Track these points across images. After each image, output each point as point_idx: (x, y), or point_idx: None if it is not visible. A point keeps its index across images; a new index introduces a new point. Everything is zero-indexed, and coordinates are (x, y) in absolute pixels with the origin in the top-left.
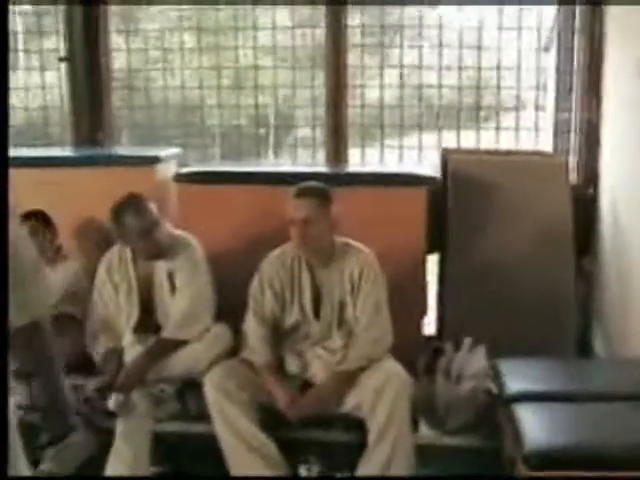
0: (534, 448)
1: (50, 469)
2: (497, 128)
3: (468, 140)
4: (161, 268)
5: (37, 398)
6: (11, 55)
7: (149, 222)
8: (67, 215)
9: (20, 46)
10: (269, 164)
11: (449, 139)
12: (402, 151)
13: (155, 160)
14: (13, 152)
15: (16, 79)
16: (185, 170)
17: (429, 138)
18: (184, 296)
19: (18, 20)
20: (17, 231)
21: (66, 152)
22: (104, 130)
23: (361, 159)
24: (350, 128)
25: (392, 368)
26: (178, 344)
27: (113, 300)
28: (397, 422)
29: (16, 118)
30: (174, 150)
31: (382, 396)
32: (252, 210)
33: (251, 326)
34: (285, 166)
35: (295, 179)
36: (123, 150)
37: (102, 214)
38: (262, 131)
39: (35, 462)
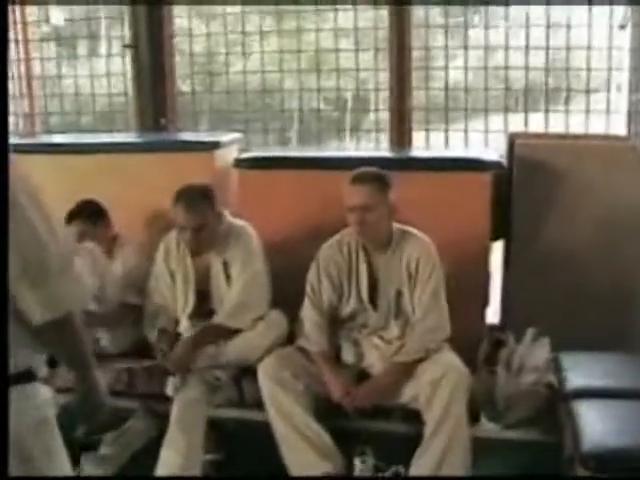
0: (591, 449)
1: (109, 453)
2: (567, 111)
3: (537, 123)
4: (216, 257)
5: (75, 395)
6: (82, 42)
7: (200, 219)
8: (127, 202)
9: (85, 33)
10: (346, 148)
11: (517, 122)
12: (468, 135)
13: (215, 145)
14: (75, 138)
15: (81, 66)
16: (245, 155)
17: (496, 121)
18: (238, 285)
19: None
20: (39, 224)
21: (128, 138)
22: (167, 116)
23: (426, 143)
24: (416, 112)
25: (450, 360)
26: (230, 331)
27: (170, 287)
28: (454, 415)
29: (82, 104)
30: (236, 135)
31: (439, 389)
32: (313, 196)
33: (307, 314)
34: (356, 150)
35: (357, 164)
36: (185, 136)
37: (162, 200)
38: (340, 114)
39: (94, 446)
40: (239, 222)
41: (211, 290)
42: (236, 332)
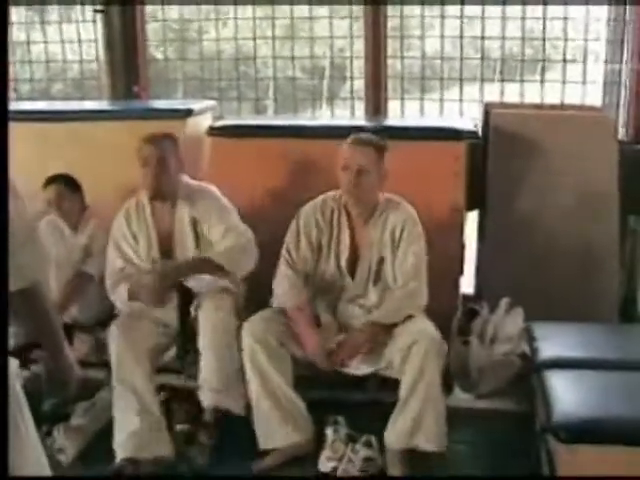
0: (563, 419)
1: (81, 424)
2: (543, 81)
3: (513, 93)
4: (182, 216)
5: (47, 366)
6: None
7: (162, 152)
8: (98, 170)
9: None
10: (321, 116)
11: (493, 92)
12: (443, 104)
13: (188, 113)
14: (45, 106)
15: (52, 32)
16: (218, 123)
17: (472, 91)
18: (218, 235)
19: None
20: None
21: (100, 106)
22: (140, 83)
23: (401, 112)
24: (391, 80)
25: (423, 327)
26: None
27: (133, 249)
28: (427, 379)
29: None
30: (210, 103)
31: (411, 355)
32: (286, 164)
33: (283, 272)
34: (331, 119)
35: (331, 132)
36: (157, 103)
37: (133, 169)
38: (316, 83)
39: (66, 417)
40: (203, 184)
41: (175, 250)
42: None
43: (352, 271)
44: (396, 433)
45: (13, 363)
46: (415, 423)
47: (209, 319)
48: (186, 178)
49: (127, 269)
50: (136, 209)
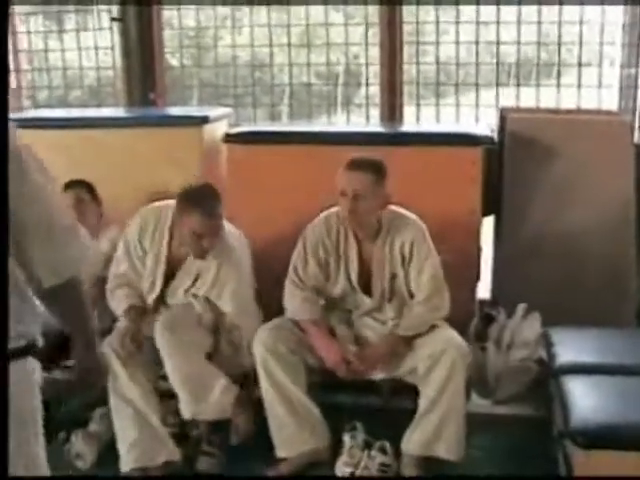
0: (580, 425)
1: (98, 430)
2: (559, 85)
3: (528, 98)
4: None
5: (79, 359)
6: (70, 15)
7: (217, 226)
8: (115, 177)
9: (71, 7)
10: (336, 123)
11: (508, 97)
12: (459, 110)
13: (204, 120)
14: (63, 113)
15: (69, 39)
16: (234, 130)
17: (487, 96)
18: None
19: None
20: (50, 188)
21: (117, 113)
22: (156, 90)
23: (417, 117)
24: (407, 86)
25: (451, 336)
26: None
27: (140, 260)
28: (451, 391)
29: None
30: (225, 110)
31: (438, 364)
32: (302, 171)
33: (290, 290)
34: (347, 125)
35: (347, 138)
36: (173, 110)
37: (150, 176)
38: (331, 89)
39: (84, 422)
40: (231, 231)
41: (177, 278)
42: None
43: (365, 288)
44: (416, 440)
45: (36, 365)
46: (436, 432)
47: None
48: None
49: (129, 275)
50: (154, 225)
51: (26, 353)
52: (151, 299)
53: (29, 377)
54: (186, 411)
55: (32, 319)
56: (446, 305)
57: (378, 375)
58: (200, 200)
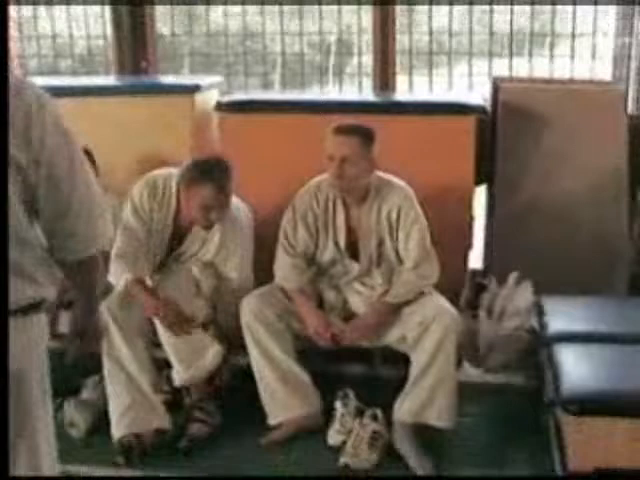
0: (571, 393)
1: (91, 398)
2: (552, 55)
3: (521, 68)
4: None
5: (80, 323)
6: None
7: (227, 199)
8: (106, 145)
9: None
10: (329, 92)
11: (501, 67)
12: (452, 80)
13: (196, 89)
14: (53, 81)
15: (58, 8)
16: (226, 99)
17: (480, 66)
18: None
19: None
20: (85, 167)
21: (107, 81)
22: (147, 59)
23: (409, 87)
24: (400, 56)
25: (441, 304)
26: None
27: (147, 224)
28: (441, 359)
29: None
30: (217, 78)
31: (429, 331)
32: (294, 139)
33: (281, 255)
34: (339, 94)
35: (340, 107)
36: (165, 79)
37: (141, 144)
38: (323, 58)
39: (76, 390)
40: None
41: (183, 245)
42: None
43: (353, 254)
44: (407, 408)
45: (43, 319)
46: (427, 399)
47: None
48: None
49: (133, 242)
50: (162, 190)
51: (37, 308)
52: (153, 266)
53: (43, 331)
54: (178, 378)
55: (48, 281)
56: (435, 272)
57: (366, 344)
58: (212, 173)
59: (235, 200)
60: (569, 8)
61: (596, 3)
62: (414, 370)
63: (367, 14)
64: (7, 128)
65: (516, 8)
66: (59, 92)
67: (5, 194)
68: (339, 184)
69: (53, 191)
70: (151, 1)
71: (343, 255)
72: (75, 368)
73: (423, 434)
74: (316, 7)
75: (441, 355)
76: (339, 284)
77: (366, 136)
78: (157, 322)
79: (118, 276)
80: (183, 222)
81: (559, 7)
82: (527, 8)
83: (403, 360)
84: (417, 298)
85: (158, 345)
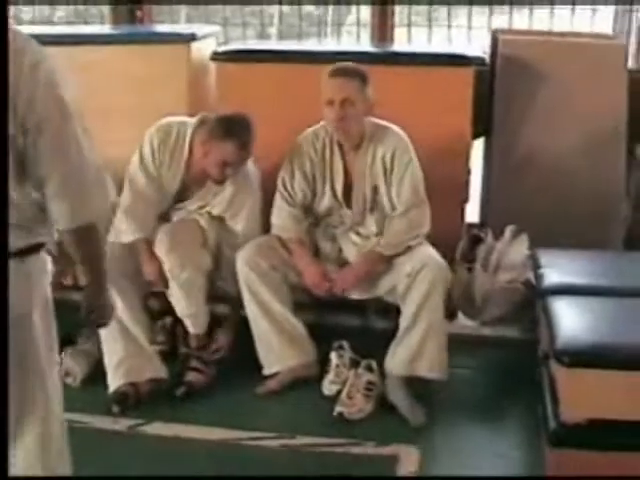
0: (565, 345)
1: (87, 348)
2: (552, 7)
3: (521, 21)
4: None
5: (90, 302)
6: None
7: (247, 156)
8: (102, 94)
9: None
10: (326, 43)
11: (501, 20)
12: (450, 32)
13: (192, 38)
14: (47, 30)
15: None
16: (223, 48)
17: (479, 19)
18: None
19: None
20: (81, 134)
21: (102, 30)
22: (143, 8)
23: (408, 39)
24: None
25: (429, 254)
26: None
27: (157, 173)
28: (431, 307)
29: None
30: (214, 28)
31: (417, 281)
32: (291, 89)
33: (279, 204)
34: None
35: (337, 57)
36: (160, 28)
37: (138, 93)
38: (321, 11)
39: (73, 340)
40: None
41: (195, 196)
42: None
43: (348, 201)
44: (398, 360)
45: (42, 260)
46: (417, 351)
47: None
48: None
49: (143, 200)
50: (176, 138)
51: (34, 251)
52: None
53: (42, 271)
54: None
55: (44, 231)
56: (425, 221)
57: (358, 295)
58: (236, 130)
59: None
60: None
61: None
62: (403, 321)
63: None
64: (7, 123)
65: None
66: (53, 41)
67: (5, 191)
68: (340, 127)
69: (40, 157)
70: None
71: (340, 203)
72: (70, 318)
73: (415, 385)
74: None
75: (429, 304)
76: (335, 234)
77: (362, 77)
78: (170, 276)
79: (125, 233)
80: (193, 174)
81: None
82: None
83: (397, 312)
84: (407, 250)
85: (153, 295)
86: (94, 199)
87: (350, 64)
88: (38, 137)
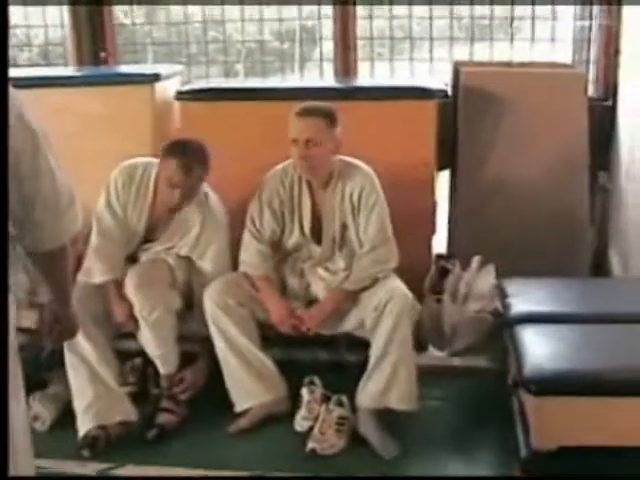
0: (532, 373)
1: (57, 392)
2: (512, 39)
3: (482, 53)
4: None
5: (55, 314)
6: None
7: (196, 182)
8: (66, 137)
9: None
10: (290, 79)
11: (462, 52)
12: (413, 65)
13: (156, 78)
14: (13, 72)
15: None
16: (186, 87)
17: (441, 51)
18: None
19: None
20: (53, 159)
21: (66, 72)
22: (107, 49)
23: (371, 72)
24: (361, 41)
25: (395, 287)
26: None
27: (123, 215)
28: (398, 341)
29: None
30: (177, 67)
31: (384, 315)
32: (255, 127)
33: (247, 241)
34: (301, 81)
35: (301, 94)
36: (124, 69)
37: (102, 135)
38: (286, 46)
39: (42, 384)
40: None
41: (161, 238)
42: None
43: (317, 237)
44: (368, 393)
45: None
46: (387, 383)
47: None
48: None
49: (111, 240)
50: (141, 177)
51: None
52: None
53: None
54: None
55: (12, 271)
56: (393, 258)
57: (326, 331)
58: (180, 150)
59: (210, 193)
60: None
61: None
62: (373, 355)
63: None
64: (7, 126)
65: None
66: (18, 84)
67: (5, 192)
68: (304, 165)
69: (17, 187)
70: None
71: (308, 240)
72: (39, 362)
73: (387, 418)
74: None
75: (397, 337)
76: (303, 269)
77: (329, 117)
78: (139, 316)
79: (95, 274)
80: (159, 213)
81: None
82: None
83: (367, 345)
84: (374, 283)
85: (123, 336)
86: (67, 221)
87: (318, 104)
88: (15, 168)
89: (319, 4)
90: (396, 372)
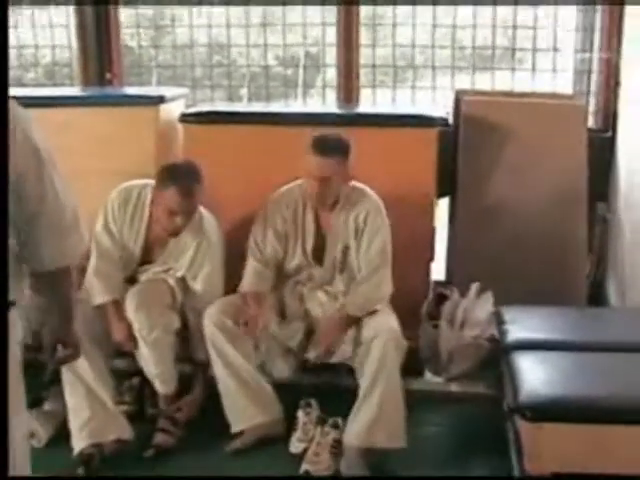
0: (528, 399)
1: (53, 409)
2: (513, 69)
3: (484, 82)
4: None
5: (59, 333)
6: None
7: (193, 206)
8: (70, 157)
9: None
10: (293, 104)
11: (464, 81)
12: (415, 92)
13: (160, 100)
14: (19, 92)
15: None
16: (191, 110)
17: (443, 80)
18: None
19: None
20: (58, 180)
21: (72, 92)
22: (113, 70)
23: (373, 100)
24: (364, 69)
25: (384, 320)
26: None
27: (120, 237)
28: (384, 377)
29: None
30: (182, 90)
31: (370, 350)
32: (259, 151)
33: (250, 262)
34: (304, 106)
35: (303, 119)
36: (129, 90)
37: (106, 155)
38: (290, 72)
39: (39, 401)
40: (205, 214)
41: (157, 260)
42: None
43: (318, 259)
44: (355, 432)
45: (13, 318)
46: (374, 421)
47: None
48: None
49: (109, 260)
50: (138, 193)
51: (9, 307)
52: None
53: (14, 325)
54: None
55: (17, 287)
56: (388, 283)
57: (325, 360)
58: (178, 177)
59: (206, 213)
60: (530, 23)
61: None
62: (360, 392)
63: (332, 28)
64: (7, 130)
65: (478, 22)
66: (23, 103)
67: (5, 197)
68: (319, 199)
69: (21, 206)
70: (116, 16)
71: (309, 261)
72: (37, 379)
73: (378, 451)
74: (280, 20)
75: (382, 376)
76: (302, 292)
77: (345, 152)
78: (139, 336)
79: (95, 294)
80: (155, 234)
81: (520, 23)
82: (489, 22)
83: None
84: (368, 315)
85: (120, 355)
86: (71, 242)
87: (336, 137)
88: (20, 187)
89: (323, 30)
90: (383, 409)
